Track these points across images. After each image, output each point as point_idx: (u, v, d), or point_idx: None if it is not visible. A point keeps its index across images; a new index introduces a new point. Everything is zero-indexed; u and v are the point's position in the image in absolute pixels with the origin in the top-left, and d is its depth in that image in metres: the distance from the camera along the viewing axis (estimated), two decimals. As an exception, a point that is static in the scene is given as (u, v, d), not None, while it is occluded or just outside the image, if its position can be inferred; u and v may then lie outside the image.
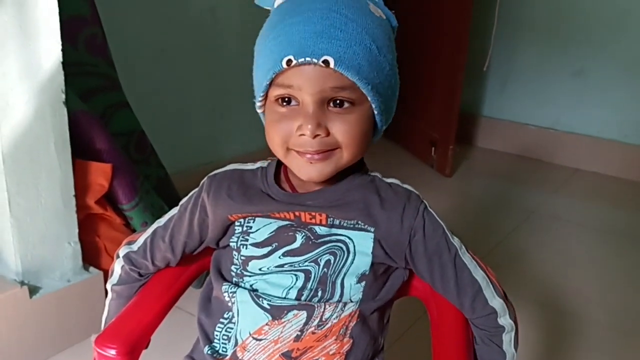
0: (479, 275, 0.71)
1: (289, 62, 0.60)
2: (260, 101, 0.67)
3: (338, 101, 0.63)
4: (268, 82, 0.63)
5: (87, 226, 1.32)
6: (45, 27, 1.13)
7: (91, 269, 1.32)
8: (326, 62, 0.60)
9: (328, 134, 0.63)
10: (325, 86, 0.61)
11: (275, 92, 0.64)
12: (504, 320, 0.71)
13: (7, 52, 1.08)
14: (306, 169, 0.65)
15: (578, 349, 1.38)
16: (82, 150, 1.29)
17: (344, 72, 0.60)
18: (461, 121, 2.44)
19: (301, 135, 0.63)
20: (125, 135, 1.52)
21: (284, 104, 0.64)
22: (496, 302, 0.71)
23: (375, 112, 0.66)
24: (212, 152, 2.11)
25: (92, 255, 1.35)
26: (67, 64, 1.19)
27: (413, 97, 2.57)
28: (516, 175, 2.57)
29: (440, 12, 2.38)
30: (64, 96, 1.19)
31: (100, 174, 1.30)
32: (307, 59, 0.60)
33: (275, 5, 0.67)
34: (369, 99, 0.64)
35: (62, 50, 1.17)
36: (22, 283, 1.19)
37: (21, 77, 1.11)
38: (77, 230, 1.27)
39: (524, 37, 2.64)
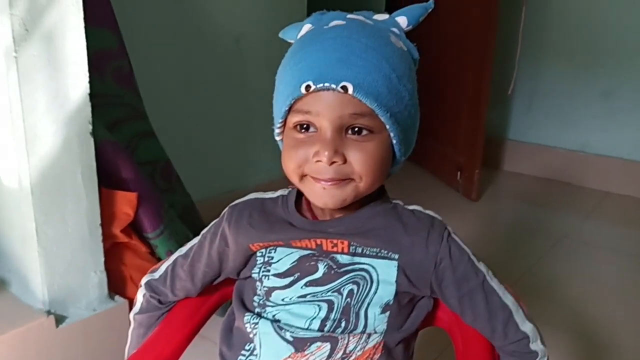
0: (508, 300, 0.69)
1: (307, 87, 0.61)
2: (279, 127, 0.67)
3: (356, 128, 0.62)
4: (287, 108, 0.64)
5: (113, 255, 1.33)
6: (73, 60, 1.15)
7: (117, 297, 1.33)
8: (345, 88, 0.60)
9: (345, 161, 0.62)
10: (344, 112, 0.61)
11: (294, 118, 0.64)
12: (536, 345, 0.69)
13: (36, 85, 1.10)
14: (321, 195, 0.64)
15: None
16: (108, 180, 1.30)
17: (362, 99, 0.60)
18: (487, 145, 2.41)
19: (317, 161, 0.62)
20: (151, 163, 1.53)
21: (302, 130, 0.64)
22: (527, 327, 0.69)
23: (394, 142, 0.65)
24: (236, 180, 2.12)
25: (118, 284, 1.36)
26: (95, 95, 1.21)
27: (438, 121, 2.56)
28: (544, 199, 2.52)
29: (464, 35, 2.37)
30: (91, 127, 1.20)
31: (125, 202, 1.32)
32: (326, 84, 0.60)
33: (298, 37, 0.68)
34: (388, 127, 0.63)
35: (90, 82, 1.19)
36: (48, 312, 1.20)
37: (49, 109, 1.13)
38: (103, 259, 1.28)
39: (549, 58, 2.61)
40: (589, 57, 2.51)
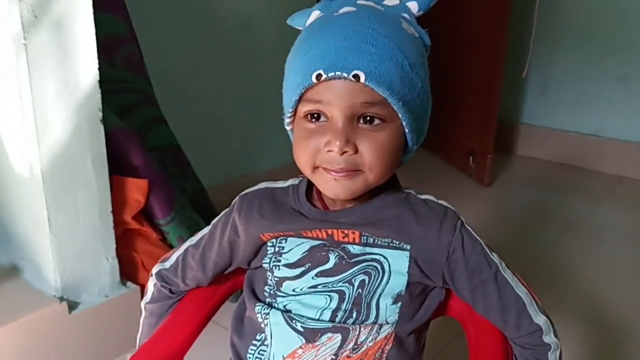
0: (521, 291, 0.69)
1: (318, 76, 0.59)
2: (290, 117, 0.66)
3: (368, 117, 0.61)
4: (297, 98, 0.62)
5: (124, 241, 1.34)
6: (83, 47, 1.14)
7: (128, 283, 1.34)
8: (357, 77, 0.59)
9: (356, 151, 0.61)
10: (356, 101, 0.60)
11: (305, 107, 0.63)
12: (549, 338, 0.68)
13: (46, 72, 1.10)
14: (332, 186, 0.63)
15: (627, 367, 1.32)
16: (118, 166, 1.30)
17: (374, 87, 0.59)
18: (500, 129, 2.39)
19: (329, 151, 0.61)
20: (161, 150, 1.53)
21: (313, 120, 0.63)
22: (541, 319, 0.68)
23: (406, 130, 0.64)
24: (247, 166, 2.12)
25: (130, 270, 1.36)
26: (105, 81, 1.21)
27: (451, 106, 2.53)
28: (558, 184, 2.50)
29: (478, 18, 2.34)
30: (101, 114, 1.20)
31: (136, 189, 1.32)
32: (337, 73, 0.59)
33: (307, 24, 0.67)
34: (400, 115, 0.62)
35: (100, 68, 1.18)
36: (61, 299, 1.21)
37: (59, 96, 1.13)
38: (114, 246, 1.29)
39: (565, 41, 2.57)
40: (605, 41, 2.47)
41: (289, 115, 0.65)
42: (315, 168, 0.64)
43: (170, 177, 1.50)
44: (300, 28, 0.68)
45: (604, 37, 2.47)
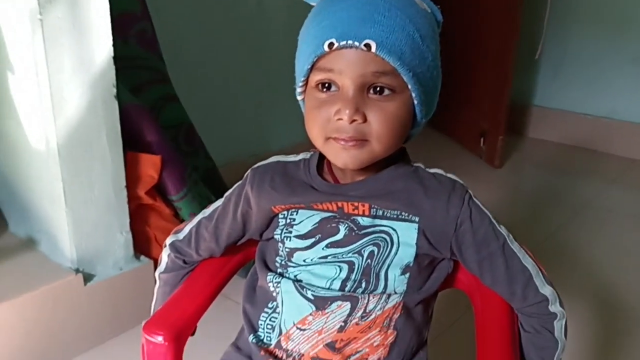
0: (528, 262, 0.70)
1: (330, 45, 0.61)
2: (301, 87, 0.67)
3: (378, 88, 0.62)
4: (309, 66, 0.63)
5: (138, 216, 1.36)
6: (97, 23, 1.16)
7: (142, 257, 1.36)
8: (368, 46, 0.60)
9: (365, 120, 0.62)
10: (366, 70, 0.61)
11: (316, 77, 0.64)
12: (555, 307, 0.70)
13: (61, 49, 1.11)
14: (341, 156, 0.65)
15: (632, 346, 1.33)
16: (132, 143, 1.32)
17: (385, 57, 0.60)
18: (511, 111, 2.38)
19: (339, 119, 0.62)
20: (174, 127, 1.55)
21: (324, 89, 0.64)
22: (547, 290, 0.69)
23: (415, 102, 0.65)
24: (258, 144, 2.13)
25: (143, 245, 1.39)
26: (119, 58, 1.22)
27: (462, 86, 2.52)
28: (569, 166, 2.49)
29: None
30: (115, 90, 1.22)
31: (150, 165, 1.34)
32: (349, 42, 0.60)
33: None
34: (410, 87, 0.63)
35: (114, 45, 1.20)
36: (77, 270, 1.24)
37: (74, 72, 1.14)
38: (128, 220, 1.31)
39: (579, 22, 2.55)
40: (619, 22, 2.44)
41: (300, 84, 0.67)
42: (326, 139, 0.65)
43: (183, 154, 1.51)
44: (314, 3, 0.69)
45: (619, 18, 2.44)
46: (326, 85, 0.64)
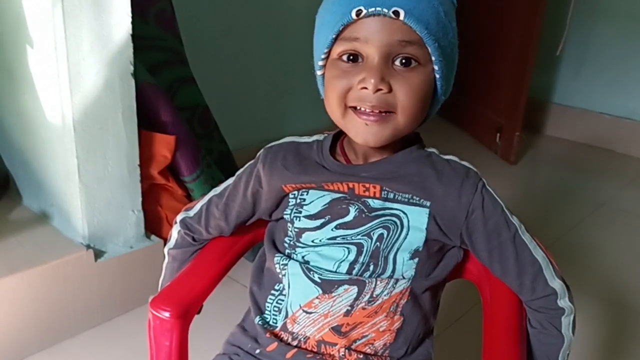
0: (539, 254, 0.69)
1: (358, 12, 0.60)
2: (323, 59, 0.65)
3: (404, 60, 0.62)
4: (334, 36, 0.62)
5: (150, 196, 1.37)
6: (117, 1, 1.16)
7: (153, 237, 1.37)
8: (396, 13, 0.59)
9: (390, 90, 0.62)
10: (393, 39, 0.60)
11: (340, 47, 0.63)
12: (564, 302, 0.69)
13: (81, 24, 1.12)
14: (362, 132, 0.64)
15: (643, 348, 1.32)
16: (147, 122, 1.32)
17: (412, 25, 0.60)
18: (530, 107, 2.35)
19: (363, 88, 0.62)
20: (189, 109, 1.55)
21: (349, 61, 0.63)
22: (556, 283, 0.69)
23: (437, 76, 0.64)
24: (273, 129, 2.13)
25: (154, 224, 1.39)
26: (137, 37, 1.22)
27: (481, 80, 2.50)
28: (586, 165, 2.46)
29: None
30: (132, 68, 1.22)
31: (164, 145, 1.34)
32: (378, 9, 0.59)
33: None
34: (434, 59, 0.63)
35: (133, 23, 1.20)
36: (88, 246, 1.25)
37: (93, 48, 1.15)
38: (140, 199, 1.32)
39: (603, 19, 2.50)
40: (645, 21, 2.40)
41: (323, 56, 0.65)
42: (345, 109, 0.64)
43: (197, 137, 1.52)
44: None
45: (644, 17, 2.40)
46: (351, 57, 0.63)
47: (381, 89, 0.61)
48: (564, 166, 2.47)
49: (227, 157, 1.66)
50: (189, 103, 1.55)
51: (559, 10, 2.45)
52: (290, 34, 2.07)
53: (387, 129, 0.64)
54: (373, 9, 0.59)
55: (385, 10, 0.59)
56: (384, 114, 0.63)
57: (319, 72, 0.67)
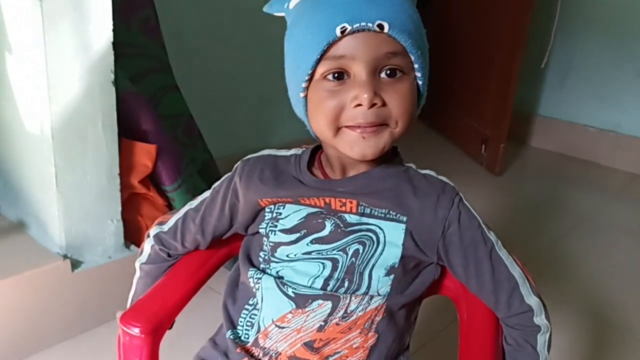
0: (515, 271, 0.69)
1: (343, 30, 0.59)
2: (306, 81, 0.63)
3: (389, 71, 0.61)
4: (319, 56, 0.61)
5: (130, 205, 1.35)
6: (98, 8, 1.14)
7: (132, 247, 1.35)
8: (381, 27, 0.59)
9: (384, 103, 0.61)
10: (380, 52, 0.60)
11: (324, 67, 0.61)
12: (540, 319, 0.68)
13: (60, 31, 1.10)
14: (359, 145, 0.63)
15: (623, 362, 1.32)
16: (128, 130, 1.31)
17: (397, 36, 0.60)
18: (515, 119, 2.37)
19: (357, 106, 0.61)
20: (173, 118, 1.53)
21: (334, 79, 0.62)
22: (533, 300, 0.68)
23: (420, 83, 0.64)
24: (259, 138, 2.12)
25: (134, 234, 1.38)
26: (120, 44, 1.21)
27: (466, 92, 2.51)
28: (571, 178, 2.47)
29: (500, 5, 2.30)
30: (113, 76, 1.21)
31: (144, 154, 1.32)
32: (362, 24, 0.59)
33: (292, 5, 0.66)
34: (416, 67, 0.63)
35: (116, 31, 1.18)
36: (65, 256, 1.22)
37: (73, 55, 1.13)
38: (120, 209, 1.30)
39: (587, 33, 2.53)
40: (628, 35, 2.42)
41: (306, 78, 0.63)
42: (338, 129, 0.63)
43: (181, 145, 1.50)
44: (281, 14, 0.68)
45: (628, 30, 2.42)
46: (336, 74, 0.62)
47: (376, 103, 0.61)
48: (549, 178, 2.48)
49: (210, 166, 1.65)
50: (173, 111, 1.54)
51: (544, 24, 2.47)
52: (275, 43, 2.06)
53: (383, 138, 0.63)
54: (357, 24, 0.59)
55: (370, 24, 0.59)
56: (378, 125, 0.62)
57: (301, 95, 0.65)
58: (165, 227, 0.79)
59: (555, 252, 1.81)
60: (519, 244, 1.77)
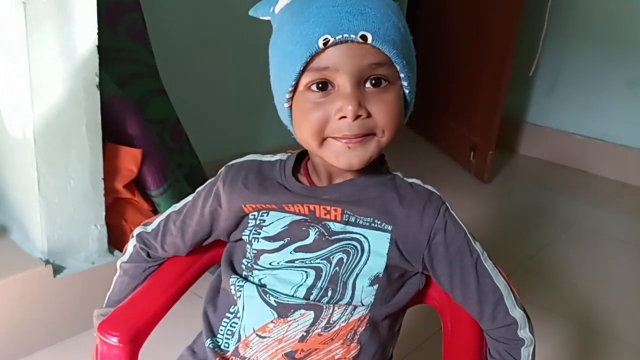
0: (501, 283, 0.68)
1: (325, 41, 0.58)
2: (290, 92, 0.63)
3: (374, 80, 0.61)
4: (302, 67, 0.60)
5: (115, 210, 1.33)
6: (83, 10, 1.13)
7: (116, 252, 1.33)
8: (364, 38, 0.58)
9: (369, 115, 0.61)
10: (363, 63, 0.59)
11: (308, 78, 0.61)
12: (524, 333, 0.68)
13: (45, 34, 1.09)
14: (346, 156, 0.62)
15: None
16: (113, 135, 1.29)
17: (381, 47, 0.59)
18: (504, 127, 2.37)
19: (341, 118, 0.60)
20: (160, 122, 1.52)
21: (318, 90, 0.61)
22: (517, 313, 0.67)
23: (407, 91, 0.64)
24: (247, 144, 2.11)
25: (118, 239, 1.36)
26: (107, 49, 1.20)
27: (456, 100, 2.51)
28: (558, 185, 2.48)
29: (489, 13, 2.31)
30: (97, 79, 1.19)
31: (130, 159, 1.31)
32: (345, 35, 0.58)
33: (277, 10, 0.65)
34: (402, 76, 0.62)
35: (102, 35, 1.17)
36: (47, 262, 1.20)
37: (57, 58, 1.12)
38: (104, 213, 1.28)
39: (575, 41, 2.54)
40: (617, 43, 2.44)
41: (290, 89, 0.62)
42: (323, 140, 0.62)
43: (168, 150, 1.49)
44: (267, 18, 0.67)
45: (616, 39, 2.43)
46: (320, 85, 0.61)
47: (360, 115, 0.60)
48: (537, 185, 2.48)
49: (197, 171, 1.64)
50: (160, 116, 1.53)
51: (533, 32, 2.47)
52: (263, 48, 2.05)
53: (370, 148, 0.62)
54: (340, 36, 0.58)
55: (352, 36, 0.58)
56: (364, 136, 0.62)
57: (286, 105, 0.64)
58: (149, 228, 0.78)
59: (542, 259, 1.81)
60: (506, 250, 1.77)
